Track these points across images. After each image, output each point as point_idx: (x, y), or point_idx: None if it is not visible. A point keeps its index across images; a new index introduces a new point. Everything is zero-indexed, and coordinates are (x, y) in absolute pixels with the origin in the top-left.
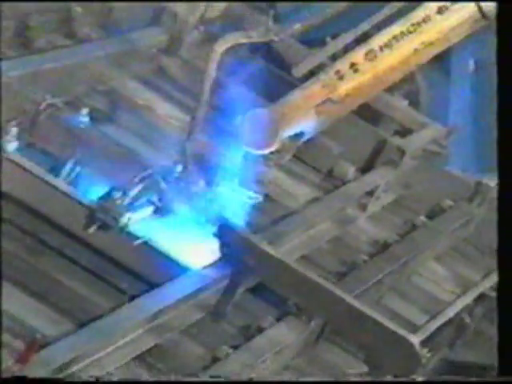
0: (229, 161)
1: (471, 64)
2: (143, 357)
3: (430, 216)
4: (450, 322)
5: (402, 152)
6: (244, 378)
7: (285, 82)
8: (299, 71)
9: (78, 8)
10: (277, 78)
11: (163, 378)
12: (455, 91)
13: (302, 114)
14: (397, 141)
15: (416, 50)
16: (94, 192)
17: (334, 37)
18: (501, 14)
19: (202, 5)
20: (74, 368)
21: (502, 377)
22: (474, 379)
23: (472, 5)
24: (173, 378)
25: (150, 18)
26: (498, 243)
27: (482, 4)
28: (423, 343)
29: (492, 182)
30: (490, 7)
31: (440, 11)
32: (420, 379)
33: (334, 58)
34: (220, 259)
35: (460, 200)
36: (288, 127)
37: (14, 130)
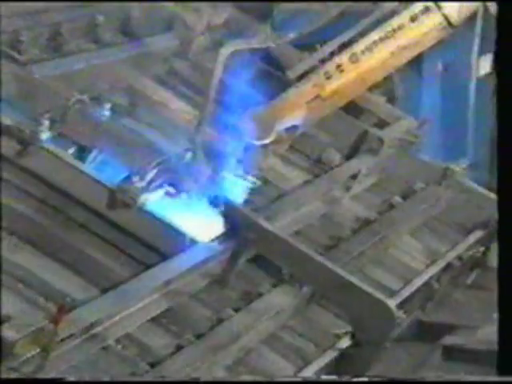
0: (232, 149)
1: (439, 66)
2: (158, 318)
3: (405, 197)
4: (421, 287)
5: (380, 141)
6: (245, 337)
7: (281, 82)
8: (293, 73)
9: (101, 17)
10: (274, 79)
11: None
12: (426, 89)
13: (295, 109)
14: (376, 132)
15: (393, 54)
16: (115, 176)
17: (323, 43)
18: (501, 14)
19: (208, 14)
20: (99, 328)
21: (502, 377)
22: (473, 379)
23: (439, 14)
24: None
25: (164, 26)
26: (498, 244)
27: (447, 13)
28: (399, 306)
29: (457, 167)
30: (455, 16)
31: (412, 19)
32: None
33: (323, 61)
34: (224, 234)
35: (430, 183)
36: (283, 121)
37: (47, 122)
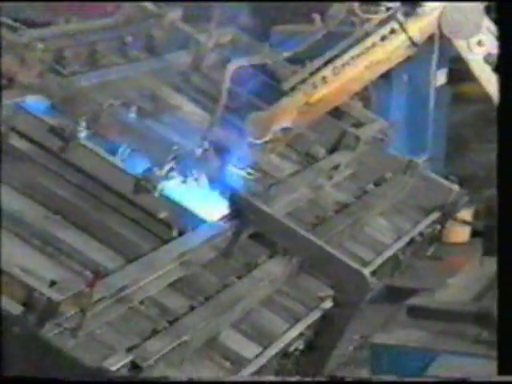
0: (236, 146)
1: (405, 77)
2: (174, 284)
3: (377, 184)
4: (389, 258)
5: (357, 139)
6: (246, 299)
7: (277, 91)
8: (287, 84)
9: (129, 38)
10: (271, 89)
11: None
12: (394, 96)
13: (288, 114)
14: (354, 131)
15: (367, 68)
16: (139, 167)
17: (312, 60)
18: (501, 14)
19: (216, 34)
20: (126, 291)
21: (501, 377)
22: (473, 379)
23: (404, 35)
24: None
25: (180, 44)
26: (498, 247)
27: (411, 34)
28: (371, 274)
29: (419, 160)
30: (417, 37)
31: (382, 39)
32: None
33: (311, 74)
34: (228, 214)
35: (397, 173)
36: (279, 124)
37: (85, 123)
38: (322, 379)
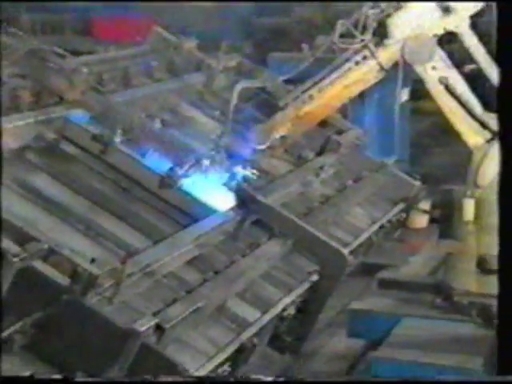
0: (242, 151)
1: (376, 95)
2: (191, 261)
3: (355, 181)
4: (364, 240)
5: (339, 144)
6: (249, 273)
7: (274, 107)
8: (283, 102)
9: (155, 63)
10: (270, 105)
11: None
12: (368, 110)
13: (283, 125)
14: (336, 137)
15: (346, 87)
16: (163, 166)
17: (302, 81)
18: (501, 14)
19: (225, 59)
20: (152, 267)
21: (501, 376)
22: (473, 379)
23: (375, 61)
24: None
25: (196, 67)
26: (499, 249)
27: (380, 60)
28: (349, 253)
29: (388, 161)
30: (385, 63)
31: (357, 64)
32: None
33: (302, 93)
34: (235, 205)
35: (371, 172)
36: (276, 133)
37: (120, 131)
38: (322, 379)
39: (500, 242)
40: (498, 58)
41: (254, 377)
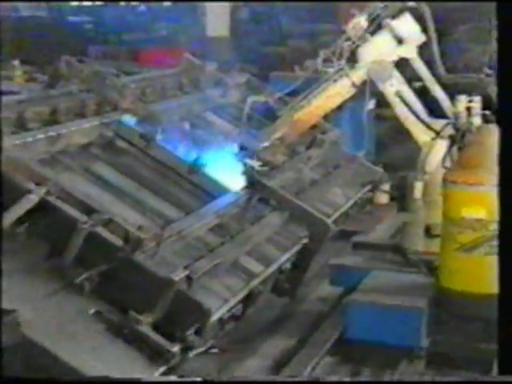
0: (251, 147)
1: (350, 105)
2: (213, 228)
3: (335, 168)
4: (342, 213)
5: (323, 141)
6: (255, 237)
7: (275, 115)
8: (281, 112)
9: (184, 79)
10: (272, 114)
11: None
12: (344, 116)
13: (281, 129)
14: (321, 136)
15: (328, 99)
16: (192, 157)
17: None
18: (501, 14)
19: (237, 77)
20: (184, 232)
21: (501, 377)
22: (473, 379)
23: (348, 79)
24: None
25: (215, 83)
26: (499, 250)
27: (353, 80)
28: (332, 222)
29: (359, 154)
30: (357, 81)
31: (335, 81)
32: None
33: (295, 104)
34: (245, 187)
35: (346, 162)
36: (277, 134)
37: (159, 131)
38: (323, 379)
39: (500, 242)
40: (498, 57)
41: (254, 377)
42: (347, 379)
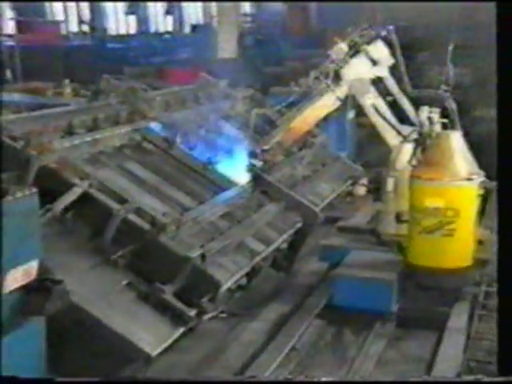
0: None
1: (335, 115)
2: (223, 215)
3: (322, 166)
4: (328, 202)
5: (313, 143)
6: (258, 222)
7: (274, 124)
8: (279, 122)
9: (200, 93)
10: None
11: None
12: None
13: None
14: (311, 140)
15: (317, 111)
16: (205, 156)
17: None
18: (501, 14)
19: (243, 92)
20: (199, 218)
21: (501, 377)
22: (473, 379)
23: (333, 95)
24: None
25: (226, 97)
26: (498, 250)
27: (338, 95)
28: (319, 211)
29: (342, 154)
30: (341, 95)
31: (322, 95)
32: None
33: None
34: (250, 181)
35: (332, 161)
36: (275, 139)
37: (179, 135)
38: (323, 380)
39: (500, 244)
40: (498, 57)
41: (254, 377)
42: (347, 379)
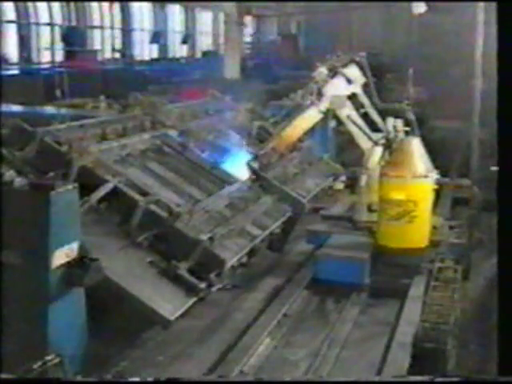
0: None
1: (319, 124)
2: (227, 205)
3: (309, 165)
4: (314, 195)
5: (301, 148)
6: (257, 211)
7: (270, 133)
8: (274, 132)
9: (210, 107)
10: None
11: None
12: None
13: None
14: (299, 144)
15: (304, 122)
16: (213, 159)
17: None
18: (501, 14)
19: (245, 106)
20: (208, 208)
21: (501, 377)
22: (473, 379)
23: (317, 109)
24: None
25: (229, 109)
26: (498, 250)
27: (321, 109)
28: (307, 202)
29: (325, 156)
30: (324, 109)
31: (307, 108)
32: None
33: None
34: (250, 177)
35: (316, 161)
36: (270, 146)
37: (192, 140)
38: (323, 380)
39: (500, 249)
40: (498, 57)
41: (254, 377)
42: (348, 379)
